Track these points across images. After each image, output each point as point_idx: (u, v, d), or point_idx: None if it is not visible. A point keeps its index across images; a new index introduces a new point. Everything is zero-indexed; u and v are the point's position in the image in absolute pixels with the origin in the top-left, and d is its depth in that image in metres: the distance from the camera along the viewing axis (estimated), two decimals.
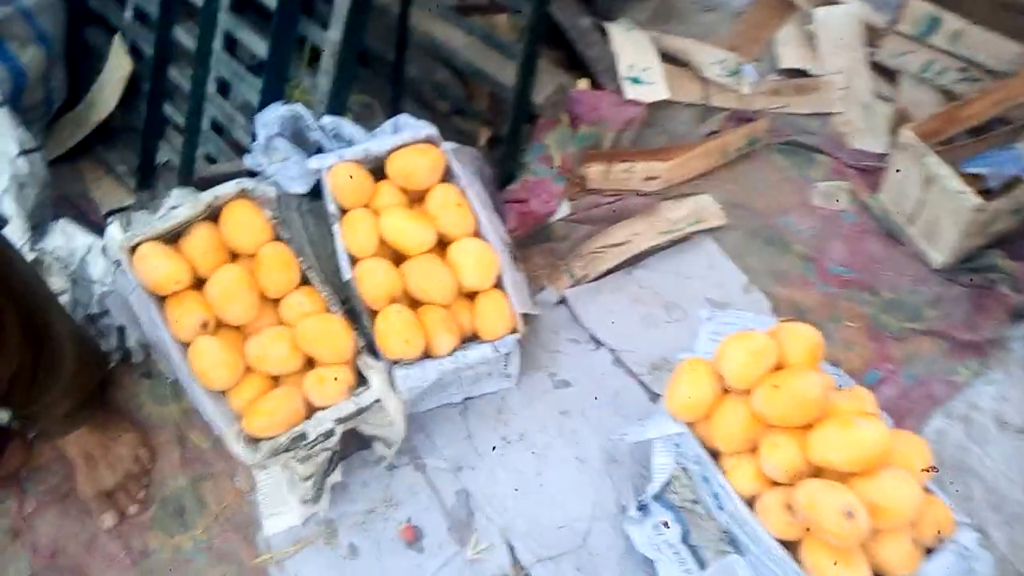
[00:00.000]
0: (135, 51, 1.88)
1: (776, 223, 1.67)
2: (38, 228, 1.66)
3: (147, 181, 1.77)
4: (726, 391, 1.11)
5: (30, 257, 1.53)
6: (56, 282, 1.55)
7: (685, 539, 1.18)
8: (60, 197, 1.85)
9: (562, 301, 1.56)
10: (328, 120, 1.38)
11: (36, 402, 1.27)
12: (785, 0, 2.10)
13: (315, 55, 1.44)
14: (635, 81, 1.80)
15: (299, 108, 1.36)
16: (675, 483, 1.16)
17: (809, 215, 1.69)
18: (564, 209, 1.68)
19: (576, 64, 1.95)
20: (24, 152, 1.65)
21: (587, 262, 1.60)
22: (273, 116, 1.37)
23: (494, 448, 1.38)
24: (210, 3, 1.45)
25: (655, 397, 1.41)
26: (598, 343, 1.50)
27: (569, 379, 1.46)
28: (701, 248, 1.62)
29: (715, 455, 1.10)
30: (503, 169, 1.67)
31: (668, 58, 1.98)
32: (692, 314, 1.49)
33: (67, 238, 1.62)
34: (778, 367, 1.08)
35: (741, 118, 1.83)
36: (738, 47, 2.02)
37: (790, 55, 2.01)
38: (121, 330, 1.53)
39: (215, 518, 1.36)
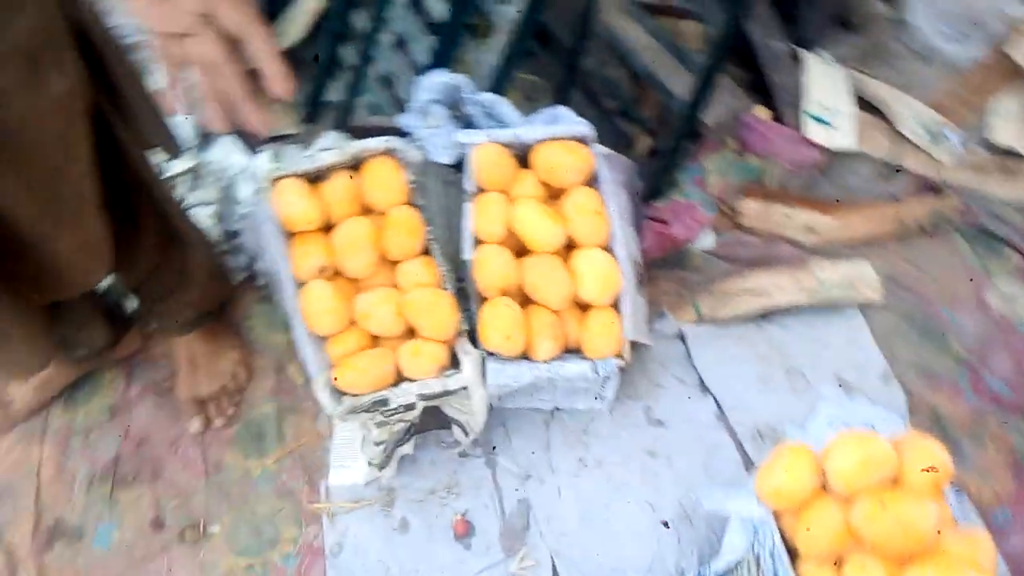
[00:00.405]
0: None
1: (939, 314, 1.50)
2: (206, 138, 1.75)
3: (312, 116, 1.81)
4: (825, 488, 1.00)
5: (190, 164, 1.62)
6: (207, 193, 1.63)
7: None
8: None
9: (679, 335, 1.48)
10: (487, 96, 1.35)
11: (161, 303, 1.35)
12: (1015, 65, 1.87)
13: (489, 29, 1.42)
14: (820, 121, 1.66)
15: (461, 79, 1.34)
16: (742, 568, 1.07)
17: (980, 315, 1.51)
18: (708, 240, 1.58)
19: (760, 88, 1.83)
20: None
21: (717, 301, 1.50)
22: (434, 81, 1.35)
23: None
24: None
25: (750, 465, 1.31)
26: (705, 390, 1.41)
27: (664, 419, 1.39)
28: (846, 319, 1.48)
29: (794, 554, 1.00)
30: (653, 183, 1.59)
31: (862, 103, 1.82)
32: (816, 388, 1.37)
33: (226, 154, 1.70)
34: (893, 480, 0.96)
35: (930, 187, 1.65)
36: (947, 108, 1.82)
37: (1004, 130, 1.79)
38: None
39: (289, 452, 1.39)
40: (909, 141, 1.74)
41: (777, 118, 1.73)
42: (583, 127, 1.32)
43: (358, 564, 1.26)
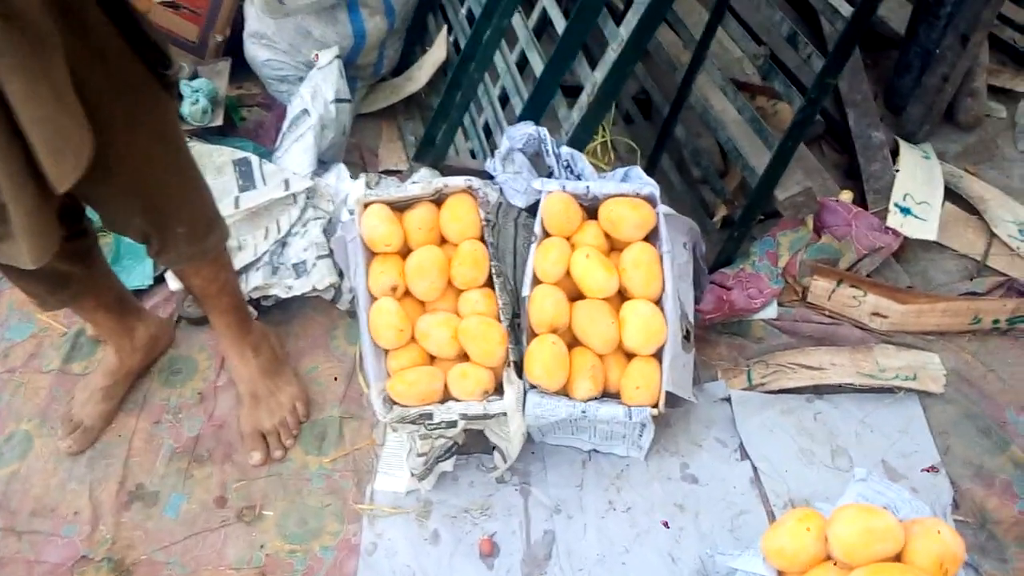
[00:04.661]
0: (456, 44, 2.12)
1: (1003, 416, 1.45)
2: (325, 164, 1.95)
3: (422, 155, 1.98)
4: (830, 558, 1.00)
5: (310, 183, 1.78)
6: (319, 212, 1.80)
7: None
8: (355, 145, 2.15)
9: (727, 399, 1.50)
10: (566, 150, 1.46)
11: None
12: None
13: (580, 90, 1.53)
14: (904, 211, 1.66)
15: (544, 132, 1.46)
16: None
17: None
18: (771, 311, 1.60)
19: (854, 174, 1.85)
20: (337, 101, 1.94)
21: (771, 372, 1.52)
22: (520, 132, 1.47)
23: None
24: (498, 19, 1.58)
25: None
26: (744, 456, 1.42)
27: (699, 477, 1.40)
28: (902, 407, 1.45)
29: None
30: (723, 251, 1.63)
31: (959, 199, 1.79)
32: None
33: (339, 181, 1.88)
34: (896, 559, 0.96)
35: (1015, 290, 1.60)
36: None
37: None
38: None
39: (345, 455, 1.50)
40: (1002, 242, 1.71)
41: (863, 204, 1.74)
42: (650, 187, 1.39)
43: (387, 566, 1.34)
